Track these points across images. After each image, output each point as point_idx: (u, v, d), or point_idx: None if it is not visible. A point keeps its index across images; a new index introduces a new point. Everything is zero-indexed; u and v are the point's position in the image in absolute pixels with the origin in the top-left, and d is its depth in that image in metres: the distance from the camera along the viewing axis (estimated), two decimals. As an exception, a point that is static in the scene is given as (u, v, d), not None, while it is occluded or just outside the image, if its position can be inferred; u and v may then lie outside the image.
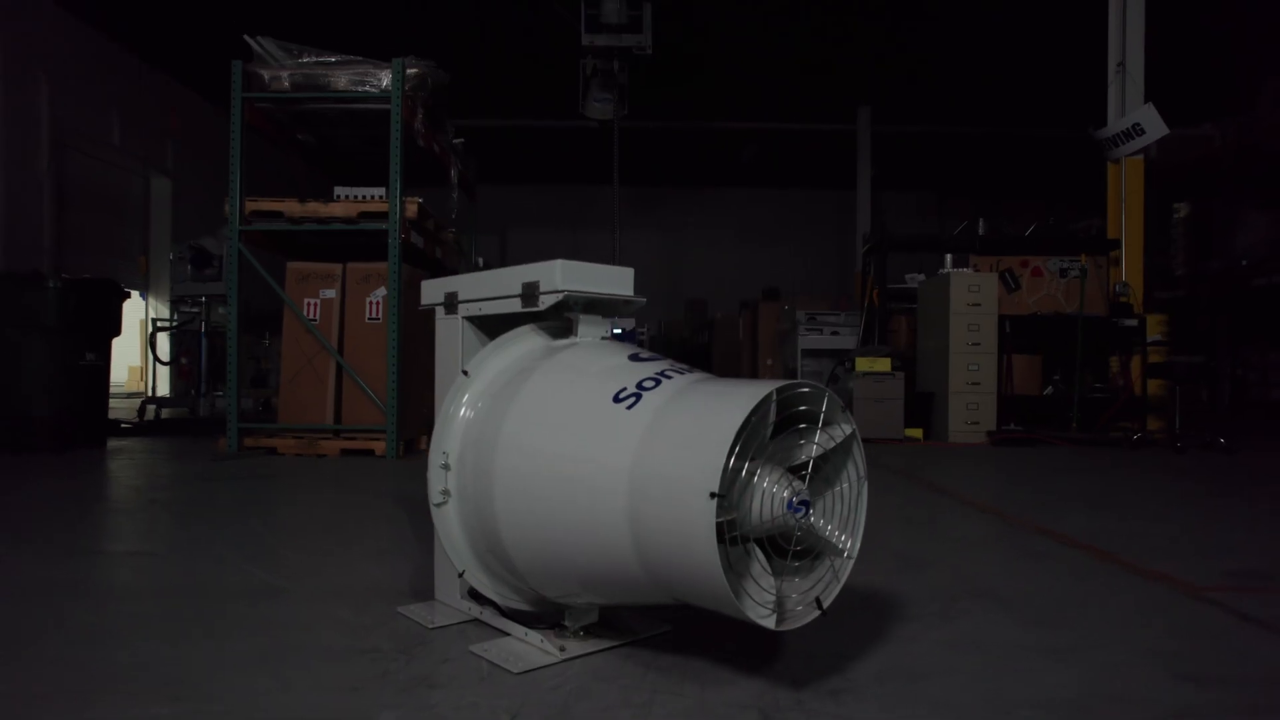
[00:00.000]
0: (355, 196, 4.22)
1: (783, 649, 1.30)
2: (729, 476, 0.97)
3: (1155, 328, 5.56)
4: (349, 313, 4.22)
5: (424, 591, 1.60)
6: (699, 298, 13.81)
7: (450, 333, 1.47)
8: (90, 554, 1.99)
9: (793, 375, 7.56)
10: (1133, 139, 5.81)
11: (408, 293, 4.20)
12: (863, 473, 1.14)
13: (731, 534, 1.01)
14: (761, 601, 1.03)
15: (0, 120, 7.27)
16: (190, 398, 6.26)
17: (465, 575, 1.36)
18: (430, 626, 1.40)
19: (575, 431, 1.12)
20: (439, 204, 5.30)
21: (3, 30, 7.33)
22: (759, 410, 0.99)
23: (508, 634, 1.34)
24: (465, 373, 1.36)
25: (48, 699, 1.11)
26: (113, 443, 4.61)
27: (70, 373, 4.16)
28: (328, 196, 4.24)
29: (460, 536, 1.35)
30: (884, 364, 5.35)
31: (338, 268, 4.25)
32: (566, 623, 1.31)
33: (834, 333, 7.25)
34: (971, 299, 5.28)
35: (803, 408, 1.07)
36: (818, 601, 1.08)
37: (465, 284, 1.45)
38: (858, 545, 1.14)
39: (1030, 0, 8.10)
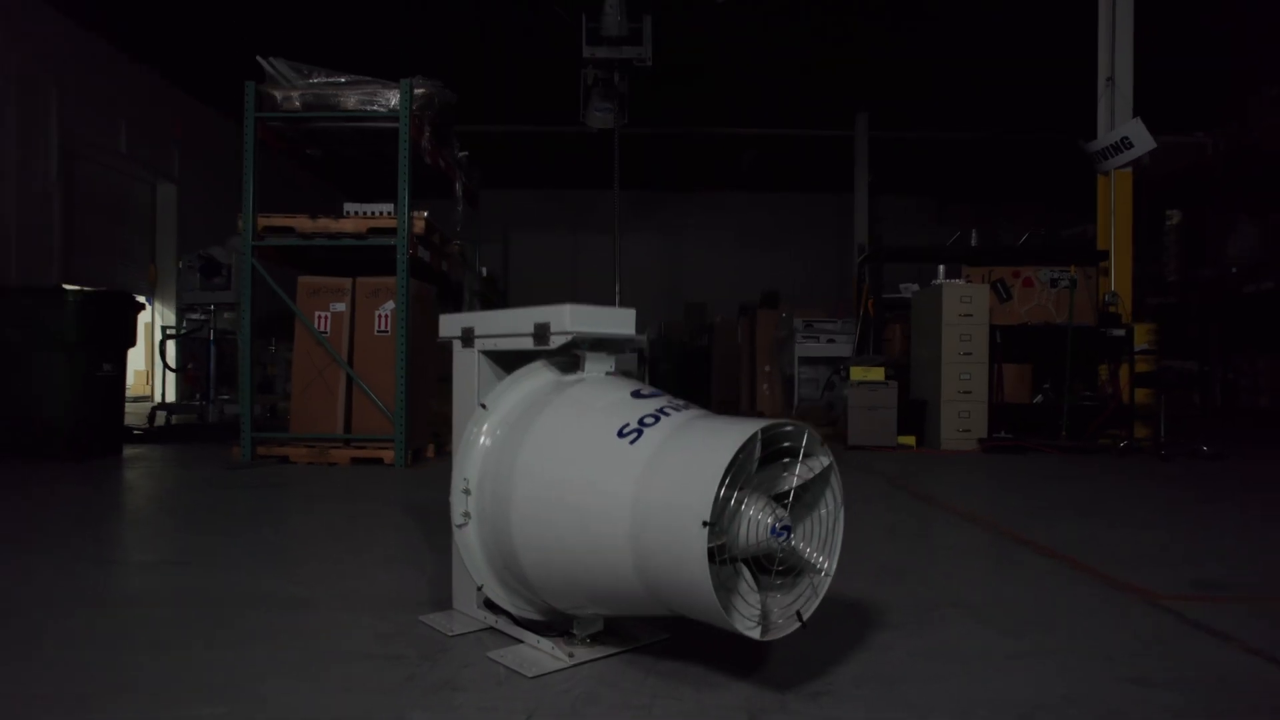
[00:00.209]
0: (364, 213, 4.35)
1: (771, 655, 1.44)
2: (719, 506, 1.11)
3: (1143, 337, 5.70)
4: (358, 325, 4.35)
5: (439, 600, 1.74)
6: (699, 301, 13.90)
7: (467, 365, 1.61)
8: (117, 564, 2.13)
9: (790, 381, 7.70)
10: (1121, 152, 5.95)
11: (415, 306, 4.33)
12: (840, 499, 1.28)
13: (722, 557, 1.15)
14: (748, 615, 1.16)
15: (13, 128, 7.42)
16: (199, 404, 6.39)
17: (484, 589, 1.50)
18: (450, 634, 1.54)
19: (584, 464, 1.26)
20: (444, 215, 5.45)
21: (14, 41, 7.48)
22: (746, 448, 1.13)
23: (521, 641, 1.47)
24: (484, 405, 1.50)
25: (101, 697, 1.24)
26: (128, 450, 4.75)
27: (89, 384, 4.30)
28: (335, 208, 4.39)
29: (479, 554, 1.49)
30: (878, 373, 5.50)
31: (347, 282, 4.38)
32: (575, 631, 1.45)
33: (830, 340, 7.41)
34: (963, 309, 5.42)
35: (786, 444, 1.21)
36: (798, 614, 1.22)
37: (481, 321, 1.59)
38: (834, 564, 1.28)
39: (1027, 6, 8.21)
